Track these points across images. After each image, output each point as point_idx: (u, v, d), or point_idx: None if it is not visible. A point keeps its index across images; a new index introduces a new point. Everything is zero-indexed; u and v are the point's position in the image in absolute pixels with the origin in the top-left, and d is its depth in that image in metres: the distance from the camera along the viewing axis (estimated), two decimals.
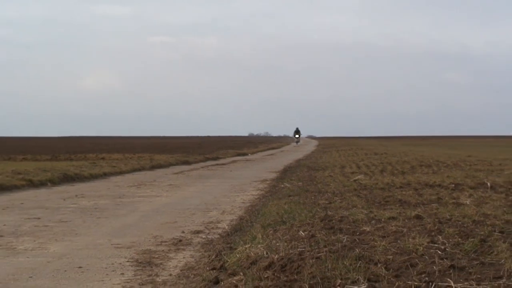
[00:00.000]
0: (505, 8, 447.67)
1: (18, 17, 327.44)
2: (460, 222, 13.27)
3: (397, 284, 8.10)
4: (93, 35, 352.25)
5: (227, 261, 10.08)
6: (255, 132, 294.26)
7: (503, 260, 9.36)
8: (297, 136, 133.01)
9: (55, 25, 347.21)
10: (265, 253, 9.99)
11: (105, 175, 33.32)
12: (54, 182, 27.76)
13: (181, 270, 10.16)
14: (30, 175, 28.21)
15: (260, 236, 11.89)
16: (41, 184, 26.69)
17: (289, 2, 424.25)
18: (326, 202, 18.02)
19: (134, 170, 38.00)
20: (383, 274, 8.57)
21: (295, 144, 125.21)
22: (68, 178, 29.71)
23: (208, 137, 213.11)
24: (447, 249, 10.27)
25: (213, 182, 29.61)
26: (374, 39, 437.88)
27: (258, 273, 8.89)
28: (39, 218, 16.31)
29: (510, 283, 7.99)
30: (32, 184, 26.36)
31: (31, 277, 9.64)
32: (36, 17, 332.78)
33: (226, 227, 14.76)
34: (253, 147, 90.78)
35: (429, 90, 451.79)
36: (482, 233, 11.80)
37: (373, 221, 13.62)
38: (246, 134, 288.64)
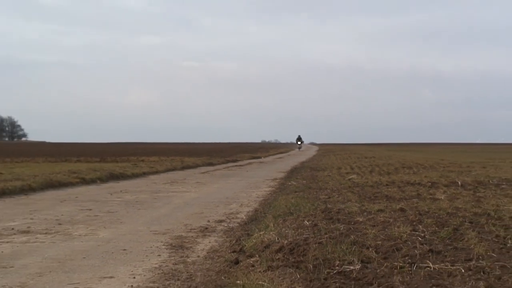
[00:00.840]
0: (467, 41, 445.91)
1: (82, 45, 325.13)
2: (436, 214, 13.35)
3: (385, 264, 8.21)
4: (136, 60, 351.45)
5: (245, 245, 10.20)
6: (267, 139, 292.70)
7: (472, 246, 9.46)
8: (299, 142, 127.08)
9: (107, 51, 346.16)
10: (276, 238, 10.09)
11: (144, 174, 33.32)
12: (102, 180, 27.81)
13: (207, 253, 10.24)
14: (83, 174, 28.28)
15: (272, 225, 11.98)
16: (92, 181, 26.73)
17: (294, 32, 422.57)
18: (326, 197, 18.08)
19: (168, 170, 37.95)
20: (373, 257, 8.68)
21: (297, 150, 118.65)
22: (114, 177, 29.77)
23: (228, 143, 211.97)
24: (426, 236, 10.37)
25: (232, 180, 29.60)
26: (364, 63, 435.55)
27: (270, 255, 9.02)
28: (90, 209, 16.41)
29: (478, 264, 8.09)
30: (84, 181, 26.40)
31: (84, 258, 9.74)
32: (94, 44, 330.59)
33: (244, 217, 14.86)
34: (265, 152, 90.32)
35: (408, 105, 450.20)
36: (454, 223, 11.90)
37: (364, 213, 13.71)
38: (259, 141, 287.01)
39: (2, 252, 10.11)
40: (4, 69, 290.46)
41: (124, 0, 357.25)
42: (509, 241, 9.88)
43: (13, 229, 12.71)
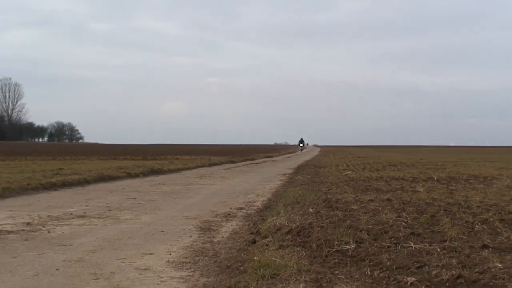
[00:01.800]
0: (439, 62, 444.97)
1: (126, 64, 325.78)
2: (416, 203, 13.32)
3: (375, 244, 8.19)
4: (170, 76, 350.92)
5: (261, 228, 10.19)
6: (278, 142, 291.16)
7: (446, 229, 9.44)
8: (301, 145, 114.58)
9: (146, 69, 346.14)
10: (286, 223, 10.08)
11: (178, 170, 33.36)
12: (144, 174, 27.86)
13: (229, 234, 10.24)
14: (129, 170, 28.36)
15: (282, 212, 11.95)
16: (136, 175, 26.78)
17: (298, 55, 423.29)
18: (326, 189, 18.06)
19: (197, 166, 38.00)
20: (365, 238, 8.66)
21: (299, 152, 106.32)
22: (154, 172, 29.82)
23: (246, 144, 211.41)
24: (408, 222, 10.34)
25: (250, 175, 29.57)
26: (357, 80, 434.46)
27: (281, 236, 9.01)
28: (134, 198, 16.46)
29: (451, 245, 8.08)
30: (130, 175, 26.46)
31: (129, 238, 9.77)
32: (135, 64, 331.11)
33: (260, 205, 14.85)
34: (276, 152, 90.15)
35: (392, 113, 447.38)
36: (432, 211, 11.87)
37: (358, 202, 13.69)
38: (272, 143, 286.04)
39: (63, 233, 10.16)
40: (64, 84, 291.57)
41: (160, 27, 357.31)
42: (477, 226, 9.84)
43: (71, 214, 12.78)
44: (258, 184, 23.07)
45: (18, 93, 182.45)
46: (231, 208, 14.31)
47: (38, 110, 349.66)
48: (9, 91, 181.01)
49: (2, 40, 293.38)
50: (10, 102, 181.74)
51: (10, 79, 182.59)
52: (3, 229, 10.48)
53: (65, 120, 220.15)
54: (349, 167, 35.54)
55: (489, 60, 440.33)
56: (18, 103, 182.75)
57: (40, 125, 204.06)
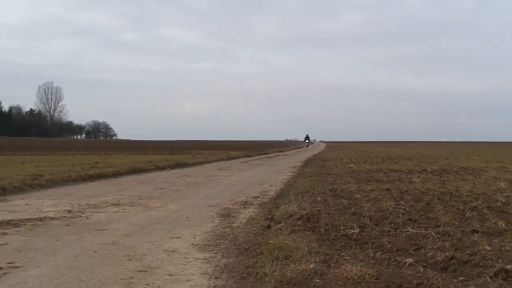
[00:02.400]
0: (432, 66, 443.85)
1: (154, 69, 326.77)
2: (413, 193, 13.27)
3: (376, 229, 8.16)
4: (192, 80, 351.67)
5: (275, 215, 10.13)
6: (289, 138, 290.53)
7: (440, 216, 9.41)
8: (307, 141, 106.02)
9: (172, 73, 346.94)
10: (297, 210, 10.06)
11: (200, 163, 33.38)
12: (171, 167, 27.92)
13: (247, 220, 10.21)
14: (157, 163, 28.42)
15: (294, 200, 11.93)
16: (163, 168, 26.83)
17: (305, 60, 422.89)
18: (332, 180, 18.03)
19: (217, 160, 38.04)
20: (368, 224, 8.63)
21: (305, 147, 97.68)
22: (179, 165, 29.87)
23: (260, 140, 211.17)
24: (406, 209, 10.31)
25: (264, 168, 29.52)
26: (357, 82, 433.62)
27: (293, 222, 8.99)
28: (162, 188, 16.45)
29: (444, 229, 8.05)
30: (158, 168, 26.51)
31: (158, 223, 9.76)
32: (162, 69, 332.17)
33: (273, 194, 14.79)
34: (287, 147, 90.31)
35: (390, 113, 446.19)
36: (426, 199, 11.83)
37: (360, 192, 13.65)
38: (283, 139, 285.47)
39: (99, 219, 10.17)
40: (100, 87, 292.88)
41: (185, 37, 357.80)
42: (467, 213, 9.80)
43: (107, 202, 12.80)
44: (271, 175, 23.00)
45: (59, 95, 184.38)
46: (247, 197, 14.29)
47: (76, 110, 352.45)
48: (51, 94, 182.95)
49: (45, 49, 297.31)
50: (52, 104, 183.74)
51: (52, 83, 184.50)
52: (47, 215, 10.52)
53: (100, 119, 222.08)
54: (352, 160, 35.49)
55: (477, 65, 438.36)
56: (59, 104, 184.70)
57: (78, 124, 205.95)
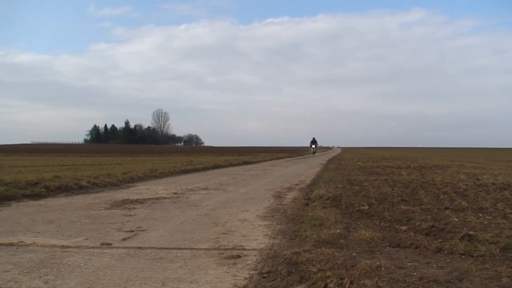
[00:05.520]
0: (410, 96, 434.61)
1: (227, 101, 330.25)
2: (402, 182, 13.00)
3: (380, 206, 8.02)
4: (251, 107, 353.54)
5: (310, 196, 10.07)
6: (317, 144, 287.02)
7: (422, 197, 9.21)
8: (313, 146, 53.71)
9: (238, 103, 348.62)
10: (325, 193, 9.95)
11: (259, 161, 33.38)
12: (240, 164, 28.04)
13: (292, 199, 10.11)
14: (231, 161, 28.62)
15: (323, 186, 11.84)
16: (235, 165, 26.99)
17: (327, 92, 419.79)
18: (347, 173, 17.80)
19: (270, 159, 38.03)
20: (374, 202, 8.49)
21: (312, 154, 55.70)
22: (245, 163, 29.98)
23: (297, 146, 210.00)
24: (399, 193, 10.10)
25: (300, 165, 29.32)
26: (360, 108, 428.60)
27: (323, 201, 8.91)
28: (235, 178, 16.52)
29: (426, 207, 7.87)
30: (231, 165, 26.68)
31: (233, 201, 9.76)
32: (231, 100, 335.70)
33: (308, 182, 14.65)
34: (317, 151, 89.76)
35: (382, 128, 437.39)
36: (412, 186, 11.59)
37: (367, 181, 13.43)
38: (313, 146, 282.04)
39: (195, 198, 10.26)
40: (192, 111, 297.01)
41: (247, 79, 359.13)
42: (440, 196, 9.57)
43: (199, 187, 12.91)
44: (305, 170, 22.83)
45: (166, 117, 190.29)
46: (291, 184, 14.19)
47: (177, 127, 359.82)
48: (161, 116, 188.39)
49: (157, 88, 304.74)
50: (162, 123, 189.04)
51: (162, 109, 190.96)
52: (161, 196, 10.69)
53: (193, 132, 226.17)
54: (359, 160, 34.98)
55: (437, 97, 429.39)
56: (166, 123, 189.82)
57: (178, 135, 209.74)
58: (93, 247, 5.31)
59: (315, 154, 54.75)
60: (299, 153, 61.96)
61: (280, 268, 4.25)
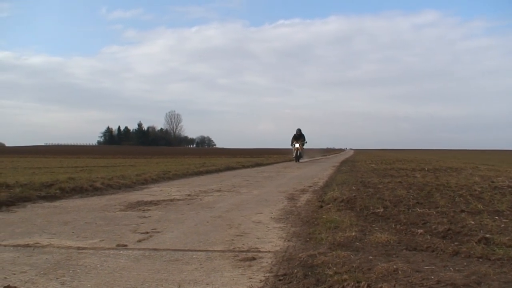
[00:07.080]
0: (422, 98, 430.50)
1: (238, 103, 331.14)
2: (417, 184, 12.84)
3: (395, 209, 7.94)
4: (262, 108, 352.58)
5: (324, 198, 9.99)
6: (330, 146, 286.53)
7: (438, 200, 9.09)
8: (296, 145, 33.70)
9: (255, 105, 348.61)
10: (339, 195, 9.86)
11: (271, 163, 33.22)
12: (252, 166, 27.87)
13: (306, 202, 10.05)
14: (243, 163, 28.53)
15: (336, 189, 11.73)
16: (248, 167, 26.84)
17: (340, 96, 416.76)
18: (361, 175, 17.65)
19: (283, 161, 37.73)
20: (389, 205, 8.41)
21: (293, 159, 35.11)
22: (258, 164, 29.78)
23: (308, 149, 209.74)
24: (414, 195, 9.99)
25: (313, 167, 29.13)
26: (371, 110, 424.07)
27: (338, 203, 8.84)
28: (248, 180, 16.47)
29: (442, 210, 7.78)
30: (244, 166, 26.58)
31: (247, 203, 9.74)
32: (242, 102, 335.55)
33: (322, 185, 14.55)
34: (327, 153, 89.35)
35: (395, 130, 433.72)
36: (427, 189, 11.44)
37: (381, 183, 13.30)
38: (325, 147, 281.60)
39: (209, 200, 10.25)
40: (204, 113, 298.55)
41: (259, 81, 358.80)
42: (456, 198, 9.45)
43: (212, 189, 12.90)
44: (318, 172, 22.71)
45: (179, 119, 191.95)
46: (304, 186, 14.12)
47: (190, 128, 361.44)
48: (174, 118, 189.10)
49: (169, 90, 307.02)
50: (174, 124, 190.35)
51: (174, 111, 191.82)
52: (175, 198, 10.69)
53: (205, 134, 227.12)
54: (372, 162, 34.72)
55: (451, 99, 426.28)
56: (179, 124, 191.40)
57: (191, 137, 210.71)
58: (108, 249, 5.32)
59: (301, 161, 34.49)
60: (311, 155, 61.88)
61: (295, 270, 4.23)
